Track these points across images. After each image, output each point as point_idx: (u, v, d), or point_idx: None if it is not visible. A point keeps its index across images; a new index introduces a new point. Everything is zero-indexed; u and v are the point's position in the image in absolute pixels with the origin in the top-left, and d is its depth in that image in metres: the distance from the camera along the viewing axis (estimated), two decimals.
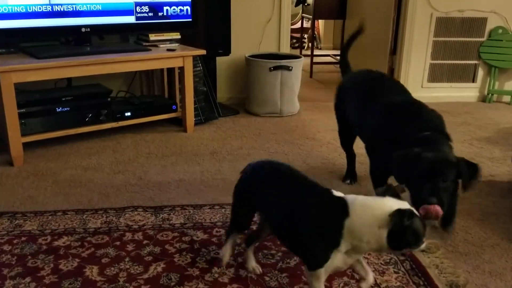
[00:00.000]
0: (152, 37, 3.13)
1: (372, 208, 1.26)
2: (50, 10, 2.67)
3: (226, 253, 1.61)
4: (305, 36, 6.64)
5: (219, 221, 1.98)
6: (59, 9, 2.70)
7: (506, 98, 4.12)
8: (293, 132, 3.21)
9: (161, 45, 3.14)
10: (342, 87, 2.34)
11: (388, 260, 1.72)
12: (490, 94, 4.09)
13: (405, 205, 1.26)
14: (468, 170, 1.65)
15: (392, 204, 1.25)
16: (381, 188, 1.39)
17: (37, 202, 2.14)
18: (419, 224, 1.23)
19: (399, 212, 1.21)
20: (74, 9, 2.74)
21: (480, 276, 1.65)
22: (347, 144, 2.43)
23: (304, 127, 3.32)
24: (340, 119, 2.39)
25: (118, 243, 1.80)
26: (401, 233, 1.22)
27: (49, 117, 2.69)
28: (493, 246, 1.84)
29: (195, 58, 3.19)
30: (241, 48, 3.69)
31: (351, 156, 2.45)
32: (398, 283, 1.59)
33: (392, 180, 1.84)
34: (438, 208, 1.59)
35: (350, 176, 2.45)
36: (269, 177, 1.52)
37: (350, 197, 1.33)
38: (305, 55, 4.28)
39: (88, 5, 2.78)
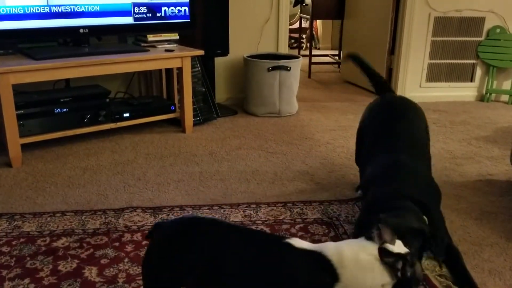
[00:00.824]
0: (150, 37, 3.13)
1: (370, 272, 1.10)
2: (48, 11, 2.67)
3: None
4: (304, 36, 6.65)
5: None
6: (57, 10, 2.69)
7: (504, 98, 4.13)
8: (292, 132, 3.22)
9: (159, 46, 3.14)
10: (372, 107, 2.12)
11: None
12: (488, 94, 4.10)
13: (398, 246, 1.13)
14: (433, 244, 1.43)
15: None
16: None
17: (36, 203, 2.14)
18: (418, 268, 1.14)
19: (403, 263, 1.10)
20: (72, 10, 2.74)
21: (479, 275, 1.65)
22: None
23: (303, 127, 3.32)
24: (359, 136, 2.17)
25: (117, 244, 1.80)
26: (405, 283, 1.11)
27: (47, 118, 2.69)
28: (492, 245, 1.84)
29: (193, 58, 3.19)
30: (240, 49, 3.69)
31: None
32: None
33: None
34: None
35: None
36: (205, 240, 1.16)
37: (331, 252, 1.12)
38: (304, 55, 4.29)
39: (86, 6, 2.78)
